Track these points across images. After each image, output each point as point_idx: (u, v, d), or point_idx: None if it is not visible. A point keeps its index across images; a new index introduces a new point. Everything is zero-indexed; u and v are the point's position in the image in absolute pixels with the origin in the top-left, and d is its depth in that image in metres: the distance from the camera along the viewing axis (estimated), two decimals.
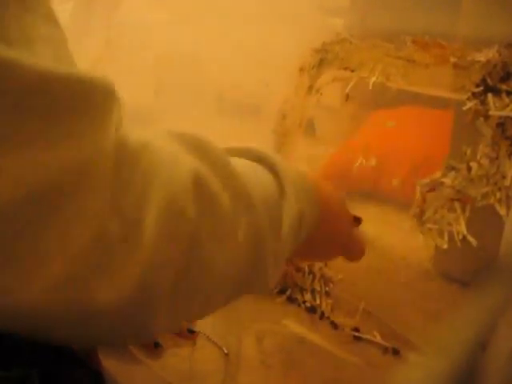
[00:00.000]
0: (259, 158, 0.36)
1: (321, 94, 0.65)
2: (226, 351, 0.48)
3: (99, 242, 0.24)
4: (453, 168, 0.49)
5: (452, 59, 0.54)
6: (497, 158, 0.46)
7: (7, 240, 0.22)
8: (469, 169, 0.48)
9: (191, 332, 0.50)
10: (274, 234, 0.33)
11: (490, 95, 0.48)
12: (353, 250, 0.45)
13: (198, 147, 0.30)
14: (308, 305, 0.56)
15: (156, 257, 0.25)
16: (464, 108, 0.50)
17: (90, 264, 0.24)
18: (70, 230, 0.23)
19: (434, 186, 0.51)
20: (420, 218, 0.52)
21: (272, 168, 0.35)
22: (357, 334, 0.52)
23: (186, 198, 0.27)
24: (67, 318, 0.25)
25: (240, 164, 0.33)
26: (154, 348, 0.47)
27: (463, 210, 0.48)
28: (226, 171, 0.30)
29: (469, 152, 0.49)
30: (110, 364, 0.44)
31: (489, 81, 0.49)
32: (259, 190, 0.33)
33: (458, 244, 0.48)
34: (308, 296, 0.57)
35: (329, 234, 0.42)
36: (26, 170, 0.21)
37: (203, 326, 0.51)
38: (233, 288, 0.32)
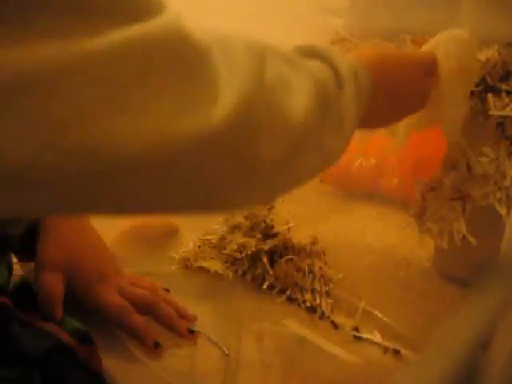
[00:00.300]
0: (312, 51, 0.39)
1: None
2: (226, 351, 0.48)
3: (195, 80, 0.27)
4: (453, 168, 0.49)
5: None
6: (496, 158, 0.46)
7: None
8: (469, 168, 0.48)
9: (191, 332, 0.50)
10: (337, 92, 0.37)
11: (489, 95, 0.48)
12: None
13: (255, 41, 0.33)
14: (308, 304, 0.56)
15: (247, 88, 0.29)
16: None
17: (195, 95, 0.27)
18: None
19: (433, 186, 0.51)
20: (420, 217, 0.52)
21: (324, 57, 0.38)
22: (357, 333, 0.52)
23: (260, 65, 0.31)
24: (180, 151, 0.26)
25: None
26: (154, 348, 0.47)
27: (463, 210, 0.48)
28: (285, 54, 0.35)
29: (468, 152, 0.49)
30: (109, 364, 0.44)
31: (488, 80, 0.49)
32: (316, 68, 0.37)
33: (458, 243, 0.48)
34: (308, 296, 0.57)
35: (392, 97, 0.43)
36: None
37: (203, 326, 0.51)
38: (313, 137, 0.34)
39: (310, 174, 0.37)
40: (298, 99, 0.33)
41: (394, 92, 0.43)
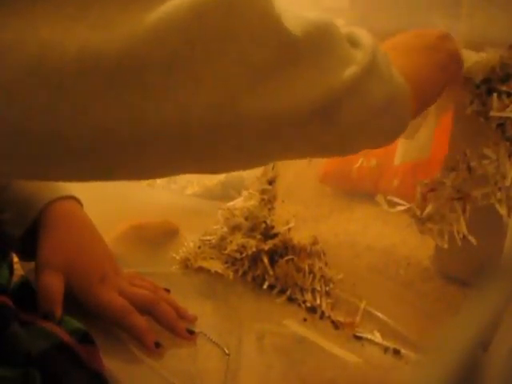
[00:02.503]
0: None
1: None
2: (227, 351, 0.48)
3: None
4: (453, 168, 0.50)
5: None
6: (497, 159, 0.46)
7: None
8: (469, 169, 0.48)
9: (191, 333, 0.50)
10: None
11: (493, 96, 0.48)
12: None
13: None
14: (308, 305, 0.56)
15: None
16: (464, 109, 0.50)
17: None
18: None
19: (434, 186, 0.51)
20: (420, 217, 0.52)
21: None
22: (357, 333, 0.52)
23: None
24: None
25: None
26: (155, 348, 0.47)
27: (463, 210, 0.48)
28: None
29: (469, 152, 0.49)
30: (111, 364, 0.44)
31: (489, 82, 0.49)
32: None
33: (459, 243, 0.48)
34: (308, 296, 0.57)
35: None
36: None
37: (204, 326, 0.51)
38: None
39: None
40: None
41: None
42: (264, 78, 0.29)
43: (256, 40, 0.29)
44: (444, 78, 0.46)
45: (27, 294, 0.47)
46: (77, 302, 0.49)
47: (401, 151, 0.57)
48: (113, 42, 0.24)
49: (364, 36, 0.37)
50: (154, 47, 0.25)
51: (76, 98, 0.24)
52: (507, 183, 0.45)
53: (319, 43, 0.32)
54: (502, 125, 0.47)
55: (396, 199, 0.55)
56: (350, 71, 0.33)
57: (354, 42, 0.37)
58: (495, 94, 0.47)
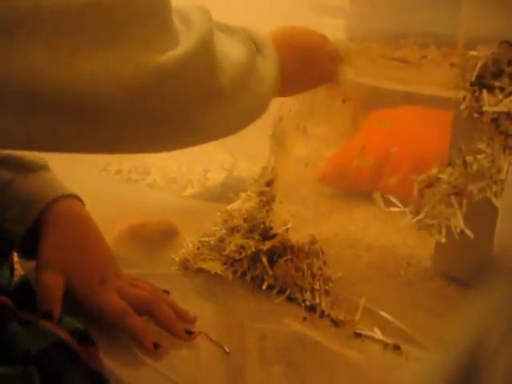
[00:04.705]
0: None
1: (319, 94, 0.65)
2: (227, 350, 0.48)
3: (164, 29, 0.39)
4: (449, 163, 0.50)
5: (447, 58, 0.55)
6: (492, 153, 0.47)
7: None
8: (465, 164, 0.48)
9: (189, 333, 0.49)
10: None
11: (484, 91, 0.48)
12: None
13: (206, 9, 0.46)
14: (308, 303, 0.56)
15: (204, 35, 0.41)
16: (459, 105, 0.51)
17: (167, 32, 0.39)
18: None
19: (430, 182, 0.51)
20: (418, 214, 0.52)
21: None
22: (357, 330, 0.52)
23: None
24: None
25: None
26: (154, 349, 0.47)
27: (460, 205, 0.48)
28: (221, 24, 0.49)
29: (464, 147, 0.49)
30: (115, 365, 0.44)
31: (482, 78, 0.50)
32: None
33: (457, 238, 0.48)
34: (308, 295, 0.57)
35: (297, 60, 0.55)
36: None
37: (204, 326, 0.51)
38: (250, 74, 0.47)
39: (259, 105, 0.49)
40: (234, 49, 0.46)
41: (301, 66, 0.55)
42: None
43: (197, 99, 0.40)
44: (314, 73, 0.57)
45: (27, 294, 0.47)
46: (78, 302, 0.49)
47: None
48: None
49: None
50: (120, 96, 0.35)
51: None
52: (502, 177, 0.45)
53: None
54: (495, 119, 0.47)
55: (393, 199, 0.55)
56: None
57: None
58: (485, 90, 0.47)
